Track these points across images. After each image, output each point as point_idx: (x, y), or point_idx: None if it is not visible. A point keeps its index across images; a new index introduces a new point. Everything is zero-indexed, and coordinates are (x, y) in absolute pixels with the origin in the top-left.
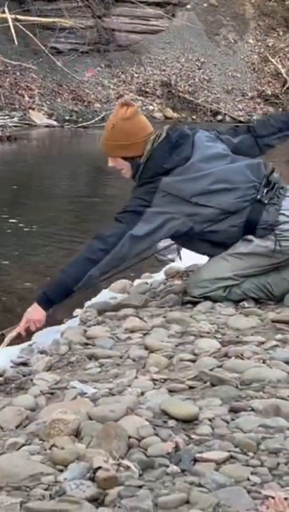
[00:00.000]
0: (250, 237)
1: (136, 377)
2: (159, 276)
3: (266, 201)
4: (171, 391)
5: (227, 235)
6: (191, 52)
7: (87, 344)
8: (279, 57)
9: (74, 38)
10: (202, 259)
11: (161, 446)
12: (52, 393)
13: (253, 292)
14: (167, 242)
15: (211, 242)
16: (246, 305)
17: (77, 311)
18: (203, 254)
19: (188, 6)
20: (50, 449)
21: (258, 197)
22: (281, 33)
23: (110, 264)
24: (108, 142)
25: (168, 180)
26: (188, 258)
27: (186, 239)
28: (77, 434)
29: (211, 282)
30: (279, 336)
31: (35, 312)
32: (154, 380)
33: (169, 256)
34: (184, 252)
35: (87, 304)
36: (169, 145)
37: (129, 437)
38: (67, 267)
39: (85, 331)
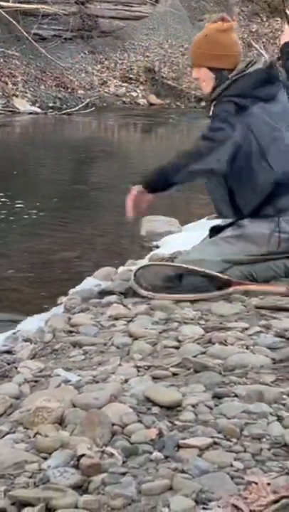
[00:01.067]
0: (242, 222)
1: (120, 365)
2: (144, 263)
3: None
4: (154, 378)
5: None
6: (174, 38)
7: (71, 332)
8: (262, 42)
9: (57, 24)
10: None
11: (145, 433)
12: (36, 381)
13: (239, 279)
14: None
15: (231, 199)
16: (230, 291)
17: (62, 299)
18: (219, 209)
19: None
20: (34, 436)
21: None
22: (265, 19)
23: (209, 163)
24: (199, 50)
25: (254, 111)
26: (172, 245)
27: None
28: (61, 422)
29: (199, 264)
30: (262, 322)
31: (138, 190)
32: (137, 367)
33: (154, 242)
34: (168, 239)
35: (72, 291)
36: (266, 75)
37: (113, 424)
38: (172, 158)
39: (70, 318)
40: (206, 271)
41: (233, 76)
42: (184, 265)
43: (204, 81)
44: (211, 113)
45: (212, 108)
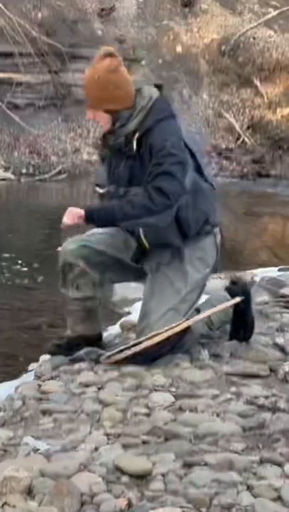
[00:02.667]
0: (185, 268)
1: (90, 433)
2: (114, 329)
3: None
4: (125, 446)
5: (195, 222)
6: None
7: (41, 399)
8: (232, 112)
9: (31, 92)
10: None
11: (114, 503)
12: (5, 450)
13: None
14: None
15: (178, 226)
16: (200, 358)
17: (33, 366)
18: (164, 244)
19: (143, 63)
20: (2, 507)
21: None
22: (234, 89)
23: (163, 220)
24: (94, 94)
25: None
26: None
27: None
28: (29, 492)
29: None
30: (233, 389)
31: (78, 211)
32: (108, 435)
33: (125, 309)
34: (139, 305)
35: (42, 358)
36: (166, 99)
37: (82, 494)
38: (127, 203)
39: (40, 385)
40: (165, 329)
41: (149, 104)
42: (146, 337)
43: (101, 121)
44: (134, 146)
45: (134, 142)
